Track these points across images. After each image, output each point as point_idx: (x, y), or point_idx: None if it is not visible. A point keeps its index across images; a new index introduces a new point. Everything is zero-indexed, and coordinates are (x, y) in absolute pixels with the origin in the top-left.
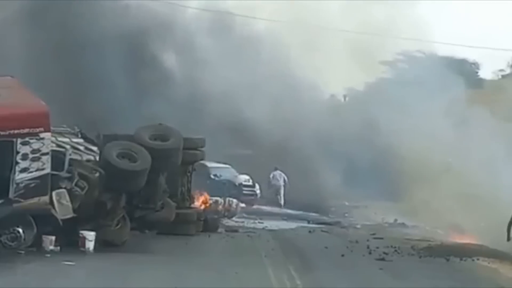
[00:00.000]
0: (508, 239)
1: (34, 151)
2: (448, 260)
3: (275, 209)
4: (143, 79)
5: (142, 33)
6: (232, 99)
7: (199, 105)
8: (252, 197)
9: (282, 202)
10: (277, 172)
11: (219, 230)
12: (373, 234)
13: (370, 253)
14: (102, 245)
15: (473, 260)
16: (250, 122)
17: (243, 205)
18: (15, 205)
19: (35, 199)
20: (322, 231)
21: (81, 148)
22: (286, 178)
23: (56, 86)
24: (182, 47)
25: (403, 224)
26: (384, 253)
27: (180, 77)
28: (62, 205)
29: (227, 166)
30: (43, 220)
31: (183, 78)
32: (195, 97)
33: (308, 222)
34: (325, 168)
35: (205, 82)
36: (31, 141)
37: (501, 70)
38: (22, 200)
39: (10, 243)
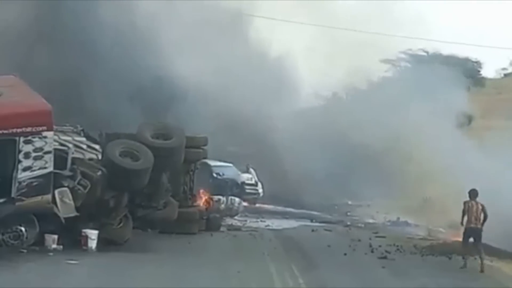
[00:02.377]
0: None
1: (36, 150)
2: (450, 258)
3: (278, 208)
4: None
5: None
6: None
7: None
8: (255, 196)
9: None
10: (252, 170)
11: (222, 229)
12: (376, 232)
13: (372, 251)
14: (105, 243)
15: (475, 258)
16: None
17: (245, 203)
18: (17, 203)
19: (38, 198)
20: (325, 229)
21: (84, 146)
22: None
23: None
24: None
25: (405, 223)
26: (387, 251)
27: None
28: (64, 203)
29: (229, 164)
30: (46, 219)
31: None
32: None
33: (311, 221)
34: (325, 167)
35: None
36: (33, 139)
37: (504, 69)
38: (24, 199)
39: (13, 242)
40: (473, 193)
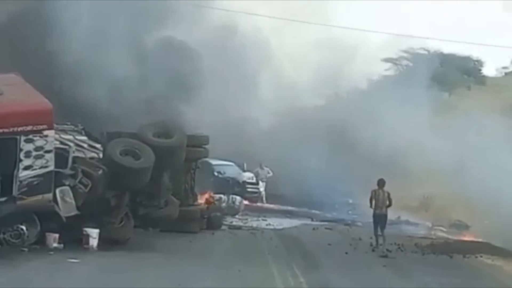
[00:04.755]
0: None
1: (37, 149)
2: (451, 257)
3: (279, 207)
4: None
5: None
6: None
7: None
8: (256, 195)
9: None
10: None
11: (223, 227)
12: None
13: (373, 250)
14: (106, 242)
15: (476, 257)
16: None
17: (246, 202)
18: (18, 202)
19: (39, 197)
20: (326, 228)
21: (85, 145)
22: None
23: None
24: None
25: (406, 221)
26: (388, 250)
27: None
28: (65, 202)
29: (230, 163)
30: (47, 218)
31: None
32: None
33: (312, 220)
34: (326, 165)
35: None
36: (34, 138)
37: (504, 68)
38: (25, 198)
39: (14, 241)
40: (381, 182)
